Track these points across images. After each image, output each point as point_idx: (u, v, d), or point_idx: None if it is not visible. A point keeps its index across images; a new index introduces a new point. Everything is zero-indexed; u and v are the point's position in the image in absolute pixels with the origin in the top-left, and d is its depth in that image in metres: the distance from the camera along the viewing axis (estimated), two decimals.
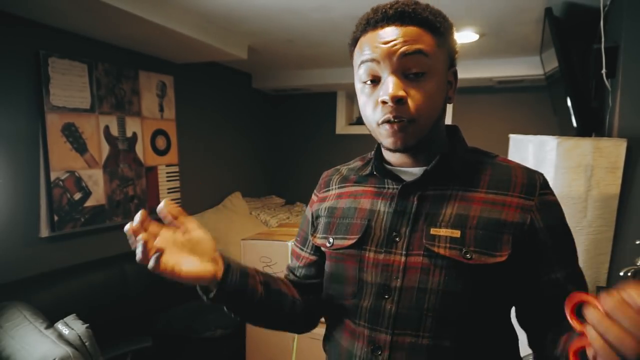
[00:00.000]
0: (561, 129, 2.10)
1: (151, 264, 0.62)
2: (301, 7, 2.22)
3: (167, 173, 3.00)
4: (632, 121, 1.34)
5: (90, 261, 2.42)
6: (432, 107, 0.71)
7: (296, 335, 2.16)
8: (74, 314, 1.68)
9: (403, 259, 0.73)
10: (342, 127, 4.36)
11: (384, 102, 0.69)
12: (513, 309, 0.80)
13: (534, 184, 0.74)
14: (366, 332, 0.74)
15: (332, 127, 4.38)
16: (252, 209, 3.80)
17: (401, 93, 0.68)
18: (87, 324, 1.61)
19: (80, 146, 2.36)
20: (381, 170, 0.80)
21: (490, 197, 0.73)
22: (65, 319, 1.65)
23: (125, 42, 2.55)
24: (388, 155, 0.81)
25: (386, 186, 0.80)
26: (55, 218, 2.23)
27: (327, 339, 0.86)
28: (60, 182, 2.26)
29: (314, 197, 0.93)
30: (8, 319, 1.64)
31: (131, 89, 2.69)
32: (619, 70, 1.39)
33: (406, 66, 0.69)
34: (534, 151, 1.48)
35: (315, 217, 0.89)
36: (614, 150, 1.31)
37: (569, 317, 0.52)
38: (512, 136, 1.72)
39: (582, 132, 1.62)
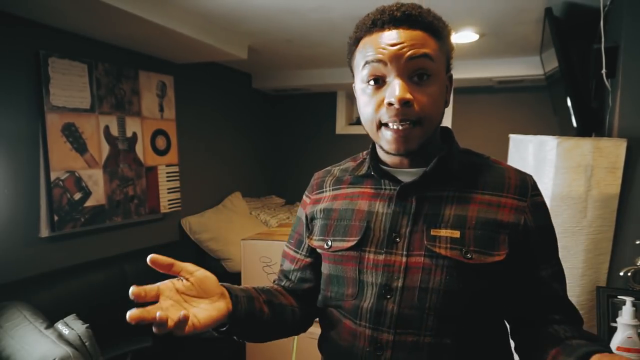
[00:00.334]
0: (561, 129, 2.10)
1: (178, 332, 0.60)
2: (300, 7, 2.22)
3: (167, 173, 3.00)
4: (632, 121, 1.34)
5: (90, 261, 2.42)
6: (436, 110, 0.73)
7: (296, 336, 2.16)
8: (74, 314, 1.68)
9: (404, 259, 0.73)
10: (342, 127, 4.36)
11: (390, 104, 0.69)
12: None
13: (526, 185, 0.76)
14: (368, 332, 0.74)
15: (332, 127, 4.38)
16: (252, 209, 3.80)
17: (408, 96, 0.69)
18: (87, 324, 1.61)
19: (80, 146, 2.36)
20: (378, 171, 0.80)
21: (486, 198, 0.75)
22: (65, 319, 1.64)
23: (125, 42, 2.55)
24: (384, 156, 0.81)
25: (383, 187, 0.80)
26: (55, 218, 2.23)
27: (324, 339, 0.86)
28: (60, 182, 2.26)
29: (305, 199, 0.93)
30: (8, 319, 1.64)
31: (131, 89, 2.68)
32: (619, 70, 1.39)
33: (412, 69, 0.70)
34: (534, 151, 1.48)
35: (310, 219, 0.89)
36: (614, 150, 1.31)
37: None
38: (512, 136, 1.72)
39: (582, 132, 1.62)
